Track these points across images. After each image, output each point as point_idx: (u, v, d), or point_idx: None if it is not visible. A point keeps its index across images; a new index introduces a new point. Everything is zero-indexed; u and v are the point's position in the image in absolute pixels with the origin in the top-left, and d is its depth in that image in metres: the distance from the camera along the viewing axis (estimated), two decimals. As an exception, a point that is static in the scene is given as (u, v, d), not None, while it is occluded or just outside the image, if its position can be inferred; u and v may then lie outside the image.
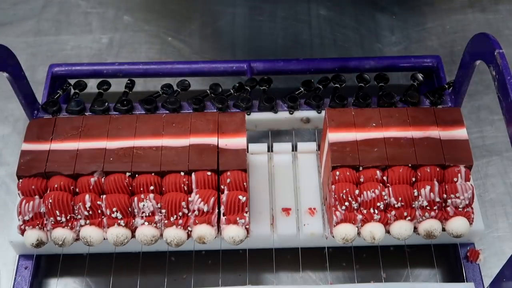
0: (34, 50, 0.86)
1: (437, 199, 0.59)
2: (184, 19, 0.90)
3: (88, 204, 0.58)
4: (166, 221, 0.59)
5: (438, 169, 0.60)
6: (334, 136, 0.61)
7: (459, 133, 0.62)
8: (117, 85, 0.75)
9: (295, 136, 0.73)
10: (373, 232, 0.59)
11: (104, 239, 0.60)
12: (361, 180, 0.59)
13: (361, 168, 0.60)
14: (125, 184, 0.59)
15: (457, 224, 0.59)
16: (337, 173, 0.59)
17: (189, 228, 0.59)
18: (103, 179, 0.60)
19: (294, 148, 0.70)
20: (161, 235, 0.60)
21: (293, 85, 0.76)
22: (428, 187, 0.59)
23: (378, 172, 0.60)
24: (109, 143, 0.62)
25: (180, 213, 0.59)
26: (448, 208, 0.60)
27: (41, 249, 0.61)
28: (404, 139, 0.61)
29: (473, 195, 0.60)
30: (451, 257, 0.68)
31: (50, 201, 0.58)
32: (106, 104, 0.70)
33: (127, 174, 0.59)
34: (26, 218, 0.59)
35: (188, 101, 0.72)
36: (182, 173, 0.59)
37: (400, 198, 0.59)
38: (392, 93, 0.71)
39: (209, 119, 0.63)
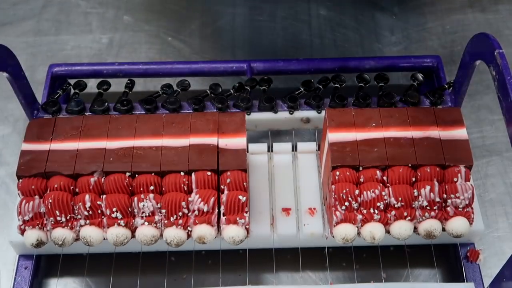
0: (34, 50, 0.86)
1: (437, 199, 0.59)
2: (184, 19, 0.90)
3: (88, 204, 0.58)
4: (166, 221, 0.59)
5: (438, 169, 0.60)
6: (334, 136, 0.61)
7: (459, 133, 0.62)
8: (117, 85, 0.75)
9: (295, 136, 0.73)
10: (373, 232, 0.59)
11: (104, 239, 0.60)
12: (361, 180, 0.59)
13: (361, 168, 0.60)
14: (125, 184, 0.59)
15: (457, 224, 0.59)
16: (337, 173, 0.59)
17: (189, 228, 0.59)
18: (103, 179, 0.60)
19: (294, 148, 0.70)
20: (161, 235, 0.60)
21: (293, 85, 0.76)
22: (428, 187, 0.59)
23: (378, 172, 0.60)
24: (109, 143, 0.62)
25: (180, 213, 0.59)
26: (448, 208, 0.60)
27: (41, 249, 0.61)
28: (404, 139, 0.61)
29: (473, 195, 0.60)
30: (451, 257, 0.68)
31: (50, 201, 0.58)
32: (106, 104, 0.70)
33: (127, 174, 0.59)
34: (26, 218, 0.59)
35: (188, 101, 0.72)
36: (182, 173, 0.59)
37: (400, 198, 0.59)
38: (392, 93, 0.71)
39: (209, 119, 0.63)
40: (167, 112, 0.71)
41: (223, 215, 0.59)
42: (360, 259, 0.67)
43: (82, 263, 0.66)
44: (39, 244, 0.60)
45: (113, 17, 0.90)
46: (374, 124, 0.63)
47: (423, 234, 0.60)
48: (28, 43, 0.87)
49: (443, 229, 0.60)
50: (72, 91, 0.75)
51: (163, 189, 0.59)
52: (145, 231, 0.59)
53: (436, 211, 0.59)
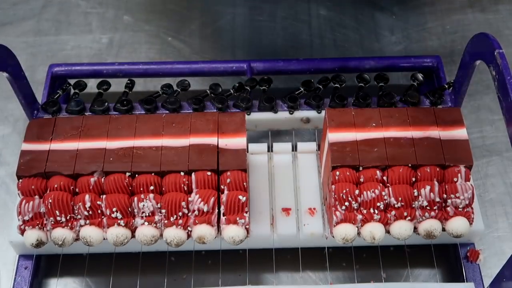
0: (34, 50, 0.86)
1: (437, 199, 0.59)
2: (184, 19, 0.90)
3: (88, 204, 0.58)
4: (166, 221, 0.59)
5: (438, 169, 0.60)
6: (334, 136, 0.61)
7: (459, 133, 0.62)
8: (117, 85, 0.75)
9: (295, 136, 0.73)
10: (373, 232, 0.59)
11: (104, 239, 0.60)
12: (361, 180, 0.59)
13: (361, 168, 0.60)
14: (125, 184, 0.59)
15: (457, 224, 0.59)
16: (337, 173, 0.59)
17: (189, 228, 0.59)
18: (103, 179, 0.60)
19: (294, 148, 0.70)
20: (161, 235, 0.60)
21: (293, 85, 0.76)
22: (428, 187, 0.59)
23: (378, 172, 0.60)
24: (109, 143, 0.62)
25: (180, 213, 0.59)
26: (448, 208, 0.60)
27: (41, 249, 0.61)
28: (404, 139, 0.61)
29: (473, 195, 0.60)
30: (451, 257, 0.68)
31: (50, 201, 0.58)
32: (106, 104, 0.70)
33: (127, 174, 0.59)
34: (26, 218, 0.59)
35: (188, 101, 0.72)
36: (182, 173, 0.59)
37: (400, 198, 0.59)
38: (392, 93, 0.71)
39: (209, 119, 0.63)
40: (167, 112, 0.71)
41: (223, 215, 0.59)
42: (360, 259, 0.67)
43: (82, 263, 0.66)
44: (39, 244, 0.60)
45: (113, 17, 0.90)
46: (374, 124, 0.63)
47: (423, 234, 0.60)
48: (28, 43, 0.87)
49: (443, 229, 0.60)
50: (72, 91, 0.75)
51: (163, 189, 0.59)
52: (145, 231, 0.59)
53: (436, 211, 0.59)
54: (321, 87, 0.73)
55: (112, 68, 0.76)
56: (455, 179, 0.60)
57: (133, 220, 0.59)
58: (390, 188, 0.59)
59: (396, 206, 0.59)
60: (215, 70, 0.77)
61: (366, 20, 0.89)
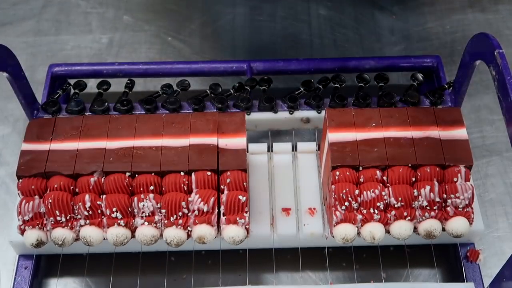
0: (34, 50, 0.86)
1: (437, 199, 0.59)
2: (184, 19, 0.90)
3: (88, 204, 0.58)
4: (166, 221, 0.59)
5: (438, 169, 0.60)
6: (334, 136, 0.61)
7: (459, 133, 0.62)
8: (117, 85, 0.75)
9: (295, 136, 0.73)
10: (373, 232, 0.59)
11: (104, 239, 0.60)
12: (361, 180, 0.59)
13: (361, 168, 0.60)
14: (125, 184, 0.59)
15: (457, 224, 0.59)
16: (337, 173, 0.59)
17: (189, 228, 0.59)
18: (103, 179, 0.60)
19: (294, 148, 0.70)
20: (161, 235, 0.60)
21: (293, 85, 0.76)
22: (428, 187, 0.59)
23: (378, 172, 0.60)
24: (109, 143, 0.62)
25: (180, 213, 0.59)
26: (448, 208, 0.60)
27: (41, 249, 0.61)
28: (404, 139, 0.61)
29: (473, 195, 0.60)
30: (451, 257, 0.68)
31: (50, 201, 0.58)
32: (106, 104, 0.70)
33: (127, 174, 0.59)
34: (26, 218, 0.59)
35: (188, 101, 0.72)
36: (182, 173, 0.59)
37: (400, 198, 0.59)
38: (392, 93, 0.71)
39: (209, 119, 0.63)
40: (167, 112, 0.71)
41: (223, 215, 0.59)
42: (360, 259, 0.67)
43: (82, 263, 0.66)
44: (39, 244, 0.60)
45: (113, 17, 0.90)
46: (374, 124, 0.63)
47: (423, 234, 0.60)
48: (28, 43, 0.87)
49: (443, 229, 0.60)
50: (72, 91, 0.75)
51: (163, 189, 0.59)
52: (145, 231, 0.59)
53: (436, 211, 0.59)
54: (321, 87, 0.73)
55: (112, 68, 0.76)
56: (455, 179, 0.60)
57: (133, 220, 0.59)
58: (390, 188, 0.59)
59: (396, 206, 0.59)
60: (215, 70, 0.77)
61: (366, 20, 0.89)
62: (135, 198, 0.59)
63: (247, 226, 0.60)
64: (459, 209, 0.60)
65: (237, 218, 0.59)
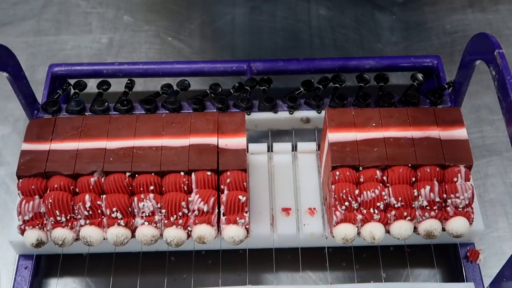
0: (34, 50, 0.86)
1: (437, 199, 0.59)
2: (184, 19, 0.90)
3: (88, 204, 0.58)
4: (166, 221, 0.59)
5: (438, 169, 0.60)
6: (334, 136, 0.61)
7: (459, 133, 0.62)
8: (117, 85, 0.75)
9: (295, 136, 0.73)
10: (373, 232, 0.59)
11: (104, 239, 0.60)
12: (361, 180, 0.59)
13: (361, 168, 0.60)
14: (125, 184, 0.59)
15: (457, 224, 0.59)
16: (337, 173, 0.59)
17: (189, 228, 0.59)
18: (103, 179, 0.60)
19: (294, 148, 0.70)
20: (161, 235, 0.60)
21: (293, 85, 0.76)
22: (428, 187, 0.59)
23: (378, 172, 0.60)
24: (109, 143, 0.62)
25: (180, 213, 0.59)
26: (448, 208, 0.60)
27: (41, 249, 0.61)
28: (404, 139, 0.61)
29: (473, 195, 0.60)
30: (451, 257, 0.68)
31: (50, 201, 0.58)
32: (106, 104, 0.70)
33: (127, 174, 0.59)
34: (26, 218, 0.59)
35: (188, 101, 0.72)
36: (182, 173, 0.59)
37: (400, 198, 0.59)
38: (392, 93, 0.71)
39: (209, 119, 0.63)
40: (167, 112, 0.71)
41: (223, 215, 0.59)
42: (360, 259, 0.67)
43: (82, 263, 0.66)
44: (39, 244, 0.60)
45: (113, 17, 0.90)
46: (374, 124, 0.63)
47: (423, 234, 0.60)
48: (28, 43, 0.87)
49: (443, 229, 0.60)
50: (72, 91, 0.75)
51: (163, 189, 0.59)
52: (145, 231, 0.59)
53: (436, 211, 0.59)
54: (321, 87, 0.73)
55: (112, 68, 0.76)
56: (455, 179, 0.60)
57: (133, 220, 0.59)
58: (390, 188, 0.59)
59: (396, 206, 0.59)
60: (215, 70, 0.77)
61: (366, 20, 0.89)
62: (135, 198, 0.59)
63: (247, 226, 0.60)
64: (459, 209, 0.60)
65: (237, 218, 0.59)
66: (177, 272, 0.67)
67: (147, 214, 0.59)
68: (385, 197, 0.59)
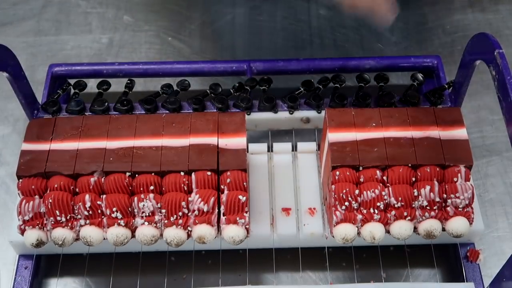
0: (34, 50, 0.86)
1: (437, 199, 0.59)
2: (184, 19, 0.90)
3: (88, 204, 0.58)
4: (166, 221, 0.59)
5: (438, 169, 0.60)
6: (334, 136, 0.61)
7: (459, 133, 0.62)
8: (117, 85, 0.75)
9: (295, 136, 0.73)
10: (373, 232, 0.59)
11: (104, 239, 0.60)
12: (361, 180, 0.59)
13: (361, 168, 0.60)
14: (125, 184, 0.59)
15: (457, 224, 0.59)
16: (337, 173, 0.59)
17: (189, 228, 0.59)
18: (103, 179, 0.60)
19: (294, 148, 0.70)
20: (161, 235, 0.60)
21: (293, 85, 0.76)
22: (428, 187, 0.59)
23: (378, 172, 0.60)
24: (109, 143, 0.62)
25: (180, 213, 0.59)
26: (448, 208, 0.60)
27: (41, 249, 0.61)
28: (404, 139, 0.61)
29: (473, 195, 0.60)
30: (451, 257, 0.68)
31: (50, 201, 0.58)
32: (106, 104, 0.70)
33: (127, 174, 0.59)
34: (26, 218, 0.59)
35: (188, 101, 0.72)
36: (182, 173, 0.59)
37: (400, 198, 0.59)
38: (392, 93, 0.71)
39: (209, 119, 0.63)
40: (167, 112, 0.71)
41: (223, 215, 0.59)
42: (360, 259, 0.67)
43: (82, 263, 0.66)
44: (39, 244, 0.60)
45: (113, 17, 0.90)
46: (374, 124, 0.63)
47: (423, 234, 0.60)
48: (28, 43, 0.87)
49: (443, 229, 0.60)
50: (72, 91, 0.75)
51: (163, 189, 0.59)
52: (145, 231, 0.59)
53: (436, 211, 0.59)
54: (321, 87, 0.73)
55: (112, 68, 0.76)
56: (455, 179, 0.60)
57: (133, 220, 0.60)
58: (390, 188, 0.59)
59: (396, 206, 0.59)
60: (215, 70, 0.77)
61: (366, 20, 0.89)
62: (135, 198, 0.59)
63: (247, 226, 0.60)
64: (459, 209, 0.60)
65: (237, 218, 0.59)
66: (177, 272, 0.67)
67: (147, 214, 0.59)
68: (385, 197, 0.59)
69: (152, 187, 0.59)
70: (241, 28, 0.89)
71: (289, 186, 0.67)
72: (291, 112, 0.71)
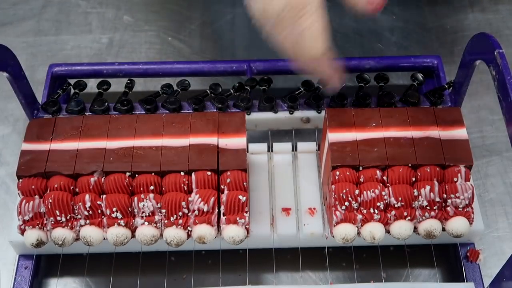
0: (34, 50, 0.86)
1: (437, 199, 0.59)
2: (184, 19, 0.90)
3: (88, 204, 0.58)
4: (166, 221, 0.59)
5: (438, 169, 0.60)
6: (334, 136, 0.61)
7: (459, 133, 0.62)
8: (117, 85, 0.75)
9: (295, 136, 0.73)
10: (373, 232, 0.59)
11: (104, 239, 0.60)
12: (361, 180, 0.59)
13: (361, 168, 0.60)
14: (125, 184, 0.59)
15: (457, 224, 0.59)
16: (337, 173, 0.59)
17: (189, 228, 0.59)
18: (103, 179, 0.60)
19: (294, 148, 0.70)
20: (161, 235, 0.60)
21: (293, 85, 0.76)
22: (428, 187, 0.59)
23: (378, 172, 0.60)
24: (109, 143, 0.62)
25: (180, 213, 0.59)
26: (448, 208, 0.60)
27: (41, 249, 0.61)
28: (404, 139, 0.61)
29: (473, 195, 0.60)
30: (451, 257, 0.68)
31: (50, 201, 0.58)
32: (106, 104, 0.70)
33: (127, 174, 0.59)
34: (26, 218, 0.59)
35: (188, 101, 0.72)
36: (182, 173, 0.59)
37: (400, 198, 0.59)
38: (392, 93, 0.71)
39: (209, 119, 0.63)
40: (167, 112, 0.71)
41: (223, 215, 0.59)
42: (360, 259, 0.67)
43: (82, 263, 0.66)
44: (39, 244, 0.60)
45: (113, 17, 0.90)
46: (374, 124, 0.63)
47: (423, 234, 0.60)
48: (28, 43, 0.87)
49: (443, 229, 0.60)
50: (72, 91, 0.75)
51: (163, 189, 0.59)
52: (145, 231, 0.59)
53: (436, 211, 0.59)
54: (321, 87, 0.73)
55: (112, 68, 0.76)
56: (455, 179, 0.60)
57: (133, 220, 0.60)
58: (390, 188, 0.59)
59: (396, 206, 0.59)
60: (215, 70, 0.77)
61: (366, 20, 0.89)
62: (135, 198, 0.59)
63: (247, 226, 0.60)
64: (459, 209, 0.60)
65: (237, 218, 0.59)
66: (177, 272, 0.67)
67: (147, 214, 0.59)
68: (385, 197, 0.59)
69: (152, 187, 0.59)
70: (241, 28, 0.89)
71: (289, 186, 0.67)
72: (291, 112, 0.71)
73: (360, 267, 0.67)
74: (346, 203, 0.59)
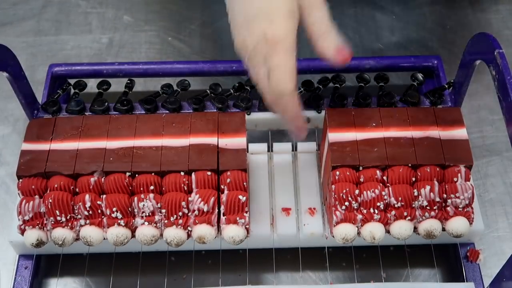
0: (34, 50, 0.86)
1: (437, 199, 0.59)
2: (184, 19, 0.90)
3: (88, 204, 0.58)
4: (166, 221, 0.59)
5: (438, 169, 0.60)
6: (334, 136, 0.61)
7: (459, 133, 0.62)
8: (117, 85, 0.75)
9: (295, 136, 0.73)
10: (373, 232, 0.59)
11: (104, 239, 0.60)
12: (361, 180, 0.59)
13: (361, 168, 0.60)
14: (125, 184, 0.59)
15: (457, 224, 0.59)
16: (337, 173, 0.59)
17: (189, 228, 0.59)
18: (103, 179, 0.60)
19: (294, 148, 0.70)
20: (161, 235, 0.60)
21: (293, 85, 0.76)
22: (428, 187, 0.59)
23: (378, 172, 0.60)
24: (109, 143, 0.62)
25: (180, 213, 0.59)
26: (448, 208, 0.60)
27: (41, 249, 0.61)
28: (404, 139, 0.61)
29: (473, 195, 0.60)
30: (451, 257, 0.68)
31: (50, 201, 0.58)
32: (106, 104, 0.70)
33: (127, 174, 0.59)
34: (26, 218, 0.59)
35: (188, 101, 0.72)
36: (182, 173, 0.59)
37: (400, 198, 0.59)
38: (392, 93, 0.71)
39: (209, 119, 0.63)
40: (167, 112, 0.71)
41: (223, 215, 0.59)
42: (360, 259, 0.67)
43: (82, 263, 0.66)
44: (39, 244, 0.60)
45: (113, 17, 0.90)
46: (374, 124, 0.63)
47: (423, 234, 0.60)
48: (28, 43, 0.87)
49: (443, 229, 0.60)
50: (72, 91, 0.75)
51: (163, 189, 0.59)
52: (145, 231, 0.59)
53: (436, 211, 0.59)
54: (321, 87, 0.73)
55: (112, 68, 0.76)
56: (455, 179, 0.60)
57: (133, 220, 0.60)
58: (390, 188, 0.59)
59: (396, 206, 0.59)
60: (215, 70, 0.77)
61: (366, 20, 0.89)
62: (135, 198, 0.59)
63: (247, 226, 0.60)
64: (459, 209, 0.60)
65: (237, 218, 0.59)
66: (177, 272, 0.67)
67: (147, 214, 0.59)
68: (385, 197, 0.59)
69: (152, 187, 0.59)
70: (241, 28, 0.89)
71: (289, 186, 0.67)
72: (291, 112, 0.71)
73: (360, 267, 0.67)
74: (346, 203, 0.59)
